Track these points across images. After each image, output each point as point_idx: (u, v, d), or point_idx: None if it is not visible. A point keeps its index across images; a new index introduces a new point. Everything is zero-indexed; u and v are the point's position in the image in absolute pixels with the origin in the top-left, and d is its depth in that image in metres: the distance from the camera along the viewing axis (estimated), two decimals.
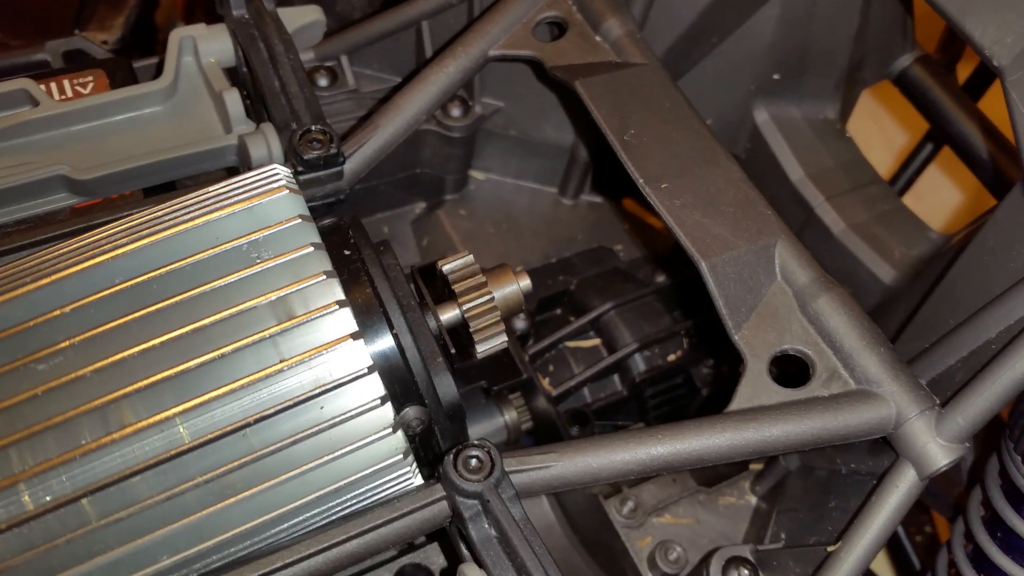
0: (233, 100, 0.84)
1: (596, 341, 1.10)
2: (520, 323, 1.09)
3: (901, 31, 1.12)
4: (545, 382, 1.07)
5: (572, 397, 1.07)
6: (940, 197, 1.62)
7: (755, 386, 0.69)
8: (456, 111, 1.08)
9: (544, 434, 1.04)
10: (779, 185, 1.07)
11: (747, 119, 1.09)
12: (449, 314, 0.76)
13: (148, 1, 1.47)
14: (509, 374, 1.02)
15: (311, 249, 0.60)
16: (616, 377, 1.08)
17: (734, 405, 0.68)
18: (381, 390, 0.60)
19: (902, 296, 0.97)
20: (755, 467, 0.97)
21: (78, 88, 0.88)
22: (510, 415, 1.05)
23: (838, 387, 0.68)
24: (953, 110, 1.13)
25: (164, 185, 0.86)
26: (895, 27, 1.11)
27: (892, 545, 1.11)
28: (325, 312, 0.60)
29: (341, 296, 0.60)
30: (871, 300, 1.01)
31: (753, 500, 0.95)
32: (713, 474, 0.97)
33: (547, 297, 1.11)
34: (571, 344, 1.09)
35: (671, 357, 1.07)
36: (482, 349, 0.76)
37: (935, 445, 0.65)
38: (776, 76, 1.06)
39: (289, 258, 0.60)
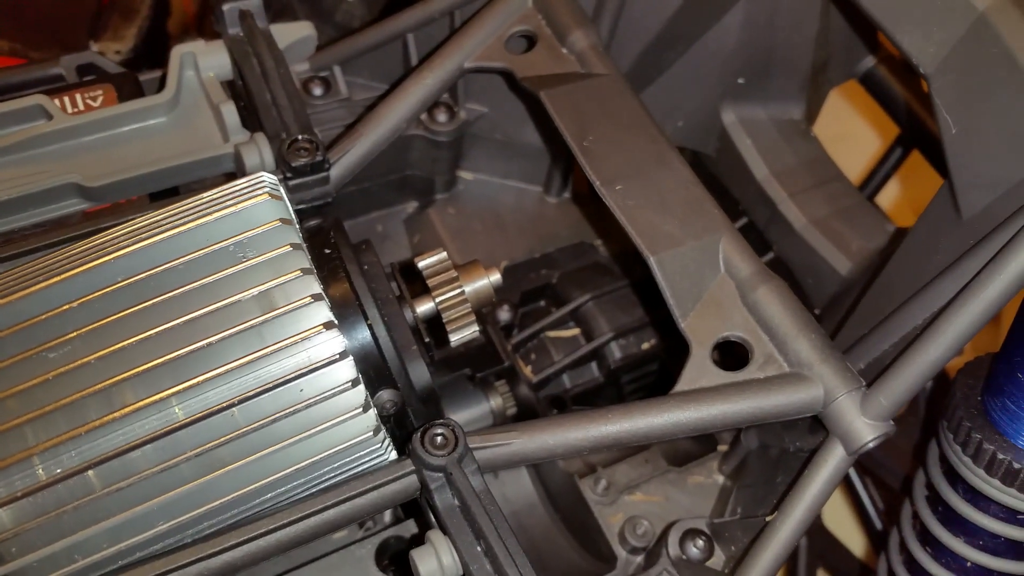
0: (229, 112, 0.91)
1: (576, 330, 1.17)
2: (505, 314, 1.16)
3: (863, 33, 1.18)
4: (527, 369, 1.14)
5: (552, 383, 1.14)
6: (924, 192, 1.67)
7: (698, 369, 0.75)
8: (442, 116, 1.14)
9: (527, 419, 1.11)
10: (746, 183, 1.13)
11: (716, 121, 1.15)
12: (425, 306, 0.83)
13: (160, 10, 1.55)
14: (491, 362, 1.09)
15: (289, 249, 0.67)
16: (594, 364, 1.15)
17: (679, 387, 0.75)
18: (352, 374, 0.67)
19: (857, 286, 1.03)
20: (723, 448, 1.03)
21: (89, 102, 0.96)
22: (496, 401, 1.12)
23: (773, 370, 0.74)
24: (914, 107, 1.19)
25: (168, 190, 0.94)
26: (857, 30, 1.16)
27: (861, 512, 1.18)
28: (303, 304, 0.67)
29: (317, 290, 0.68)
30: (830, 291, 1.07)
31: (720, 479, 1.01)
32: (684, 454, 1.04)
33: (530, 290, 1.18)
34: (552, 334, 1.16)
35: (645, 345, 1.14)
36: (455, 338, 0.84)
37: (861, 423, 0.71)
38: (741, 80, 1.12)
39: (270, 256, 0.67)
